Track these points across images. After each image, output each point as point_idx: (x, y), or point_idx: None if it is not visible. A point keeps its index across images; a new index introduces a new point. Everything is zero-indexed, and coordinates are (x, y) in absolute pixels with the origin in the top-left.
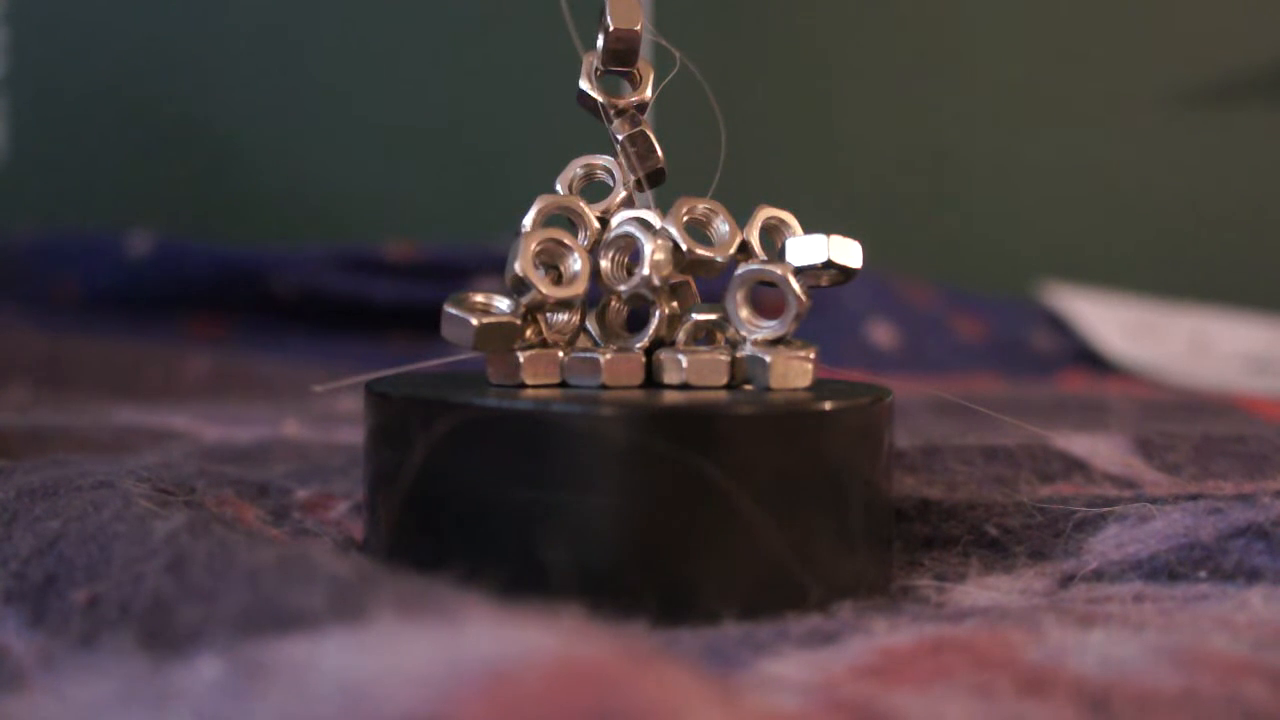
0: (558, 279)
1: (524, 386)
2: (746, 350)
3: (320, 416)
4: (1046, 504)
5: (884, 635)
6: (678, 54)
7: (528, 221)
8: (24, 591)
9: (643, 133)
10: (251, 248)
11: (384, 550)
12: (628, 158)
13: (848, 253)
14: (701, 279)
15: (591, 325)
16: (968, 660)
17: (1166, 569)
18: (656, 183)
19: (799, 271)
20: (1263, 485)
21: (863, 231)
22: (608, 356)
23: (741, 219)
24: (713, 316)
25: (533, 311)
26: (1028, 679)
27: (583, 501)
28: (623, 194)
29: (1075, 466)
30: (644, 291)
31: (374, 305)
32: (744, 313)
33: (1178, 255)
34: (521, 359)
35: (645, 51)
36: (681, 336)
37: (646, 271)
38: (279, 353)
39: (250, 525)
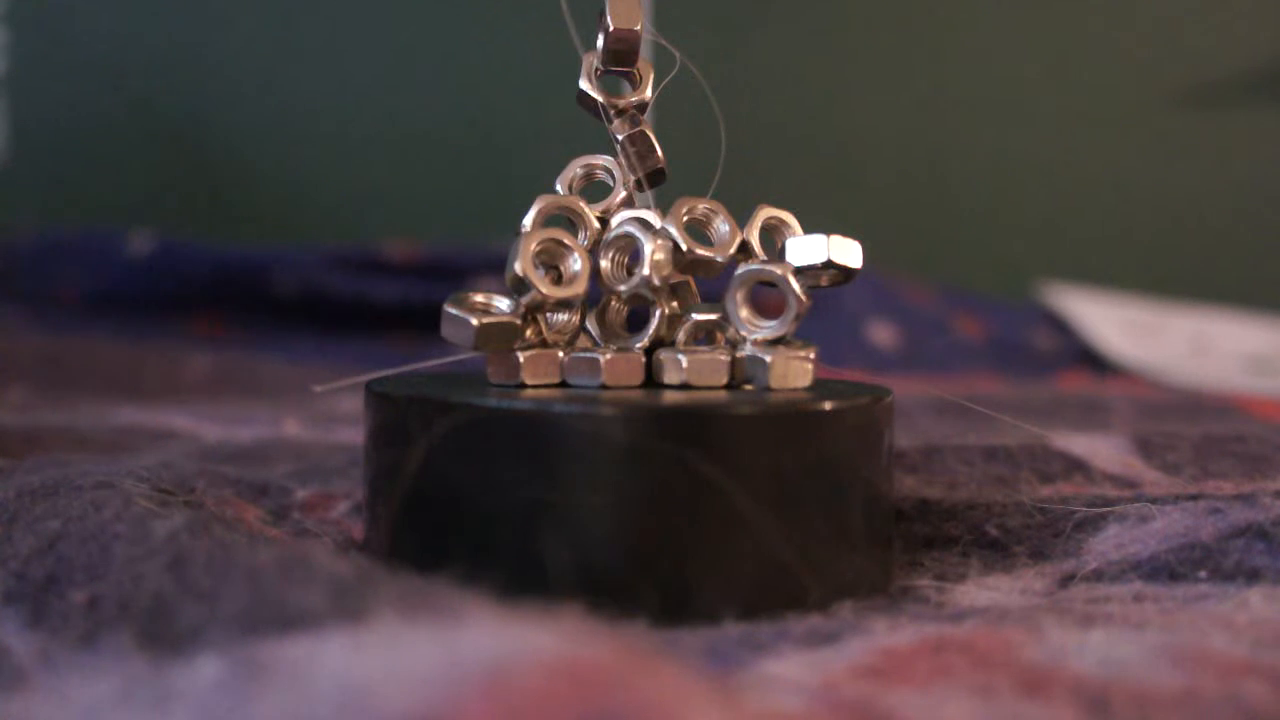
0: (558, 279)
1: (524, 386)
2: (746, 350)
3: (320, 416)
4: (1046, 504)
5: (884, 635)
6: (678, 54)
7: (528, 221)
8: (24, 591)
9: (643, 133)
10: (251, 248)
11: (384, 550)
12: (628, 158)
13: (848, 253)
14: (701, 279)
15: (591, 325)
16: (968, 660)
17: (1166, 569)
18: (656, 183)
19: (799, 271)
20: (1263, 485)
21: (863, 231)
22: (608, 356)
23: (741, 219)
24: (713, 316)
25: (533, 311)
26: (1028, 679)
27: (583, 501)
28: (623, 194)
29: (1075, 466)
30: (644, 291)
31: (374, 305)
32: (744, 313)
33: (1178, 255)
34: (521, 359)
35: (645, 51)
36: (681, 336)
37: (646, 271)
38: (279, 353)
39: (250, 525)
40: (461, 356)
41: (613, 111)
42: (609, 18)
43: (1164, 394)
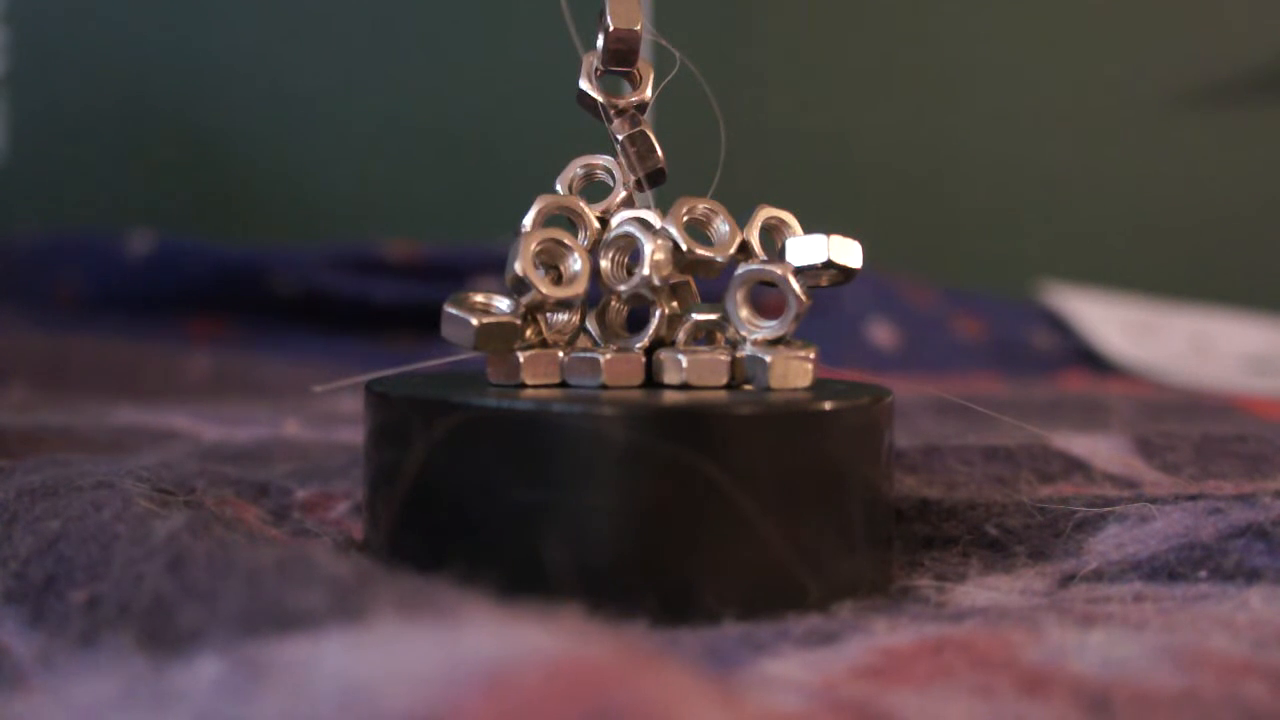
0: (558, 279)
1: (524, 386)
2: (746, 350)
3: (320, 416)
4: (1046, 504)
5: (884, 635)
6: (678, 54)
7: (528, 221)
8: (24, 591)
9: (643, 133)
10: (251, 248)
11: (384, 550)
12: (628, 158)
13: (848, 253)
14: (701, 279)
15: (591, 325)
16: (968, 660)
17: (1166, 569)
18: (656, 183)
19: (799, 271)
20: (1263, 485)
21: (863, 231)
22: (608, 356)
23: (741, 219)
24: (713, 316)
25: (533, 311)
26: (1028, 679)
27: (583, 501)
28: (623, 194)
29: (1075, 466)
30: (644, 291)
31: (374, 305)
32: (744, 313)
33: (1178, 255)
34: (521, 359)
35: (645, 51)
36: (681, 336)
37: (646, 271)
38: (279, 353)
39: (250, 525)
40: (461, 356)
41: (613, 111)
42: (609, 18)
43: (1164, 394)
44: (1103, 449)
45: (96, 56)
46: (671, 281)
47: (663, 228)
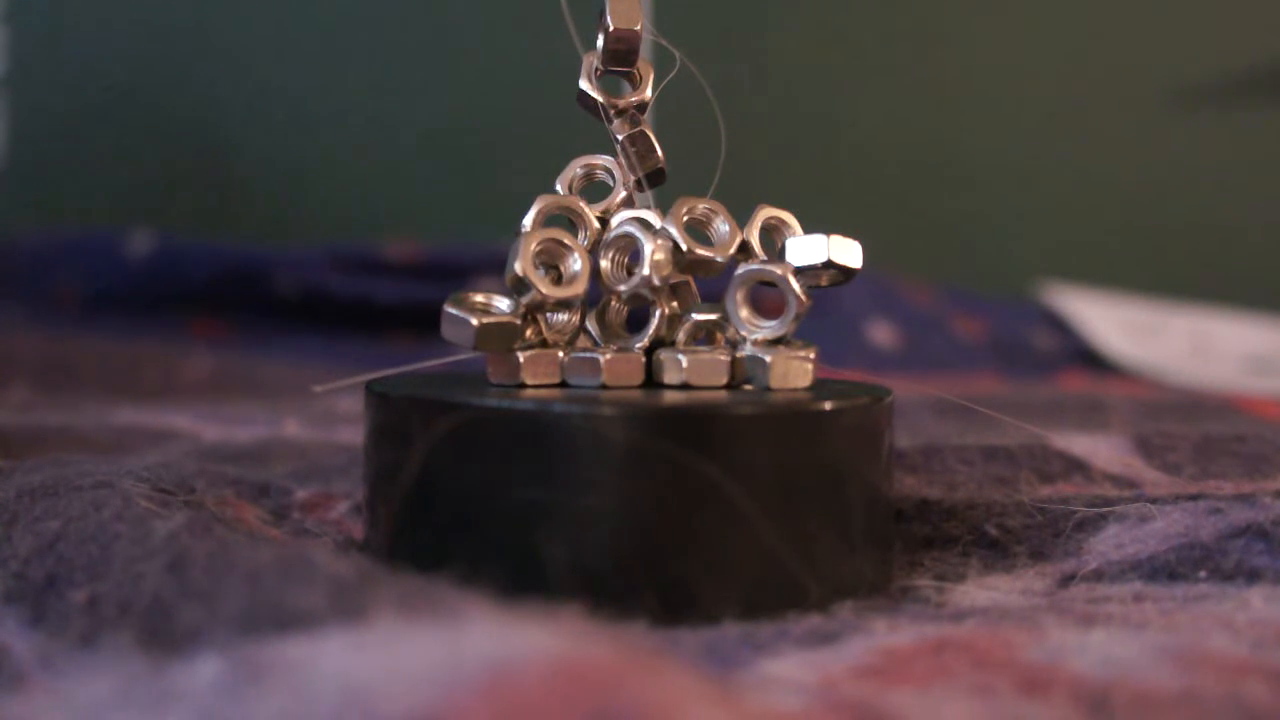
0: (558, 279)
1: (524, 386)
2: (746, 350)
3: (320, 416)
4: (1046, 504)
5: (884, 635)
6: (678, 54)
7: (528, 221)
8: (24, 591)
9: (643, 133)
10: (251, 248)
11: (384, 550)
12: (628, 158)
13: (848, 253)
14: (701, 279)
15: (591, 325)
16: (968, 660)
17: (1166, 569)
18: (656, 183)
19: (799, 271)
20: (1263, 485)
21: (863, 231)
22: (608, 356)
23: (741, 219)
24: (713, 316)
25: (533, 311)
26: (1028, 679)
27: (583, 501)
28: (623, 194)
29: (1075, 466)
30: (644, 291)
31: (375, 305)
32: (744, 313)
33: (1178, 255)
34: (521, 359)
35: (645, 51)
36: (681, 336)
37: (646, 271)
38: (279, 353)
39: (250, 525)
40: (461, 356)
41: (613, 111)
42: (609, 18)
43: (1164, 394)
44: (1103, 449)
45: (97, 57)
46: (671, 281)
47: (663, 228)
